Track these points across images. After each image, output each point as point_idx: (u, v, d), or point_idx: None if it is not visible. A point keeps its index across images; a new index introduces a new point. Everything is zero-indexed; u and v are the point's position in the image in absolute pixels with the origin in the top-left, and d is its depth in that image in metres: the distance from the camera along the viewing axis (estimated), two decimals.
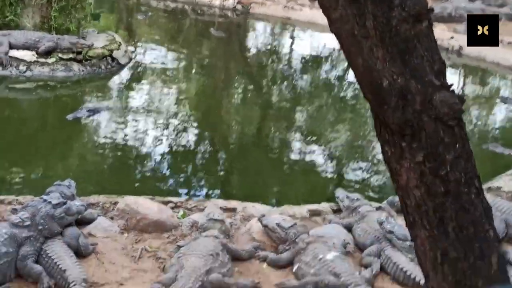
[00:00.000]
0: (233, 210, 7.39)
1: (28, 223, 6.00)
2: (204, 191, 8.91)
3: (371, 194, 9.04)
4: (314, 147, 11.07)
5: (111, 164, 9.60)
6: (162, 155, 10.00)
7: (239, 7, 22.32)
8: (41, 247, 5.96)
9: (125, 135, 10.60)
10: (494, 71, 17.63)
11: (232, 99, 14.33)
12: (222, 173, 9.95)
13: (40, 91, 12.51)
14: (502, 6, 22.94)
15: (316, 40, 19.89)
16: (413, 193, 2.91)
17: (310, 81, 16.23)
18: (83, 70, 13.15)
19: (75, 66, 13.05)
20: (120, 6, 22.11)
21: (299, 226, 6.65)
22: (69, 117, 10.79)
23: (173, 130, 11.18)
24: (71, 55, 13.05)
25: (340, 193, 7.70)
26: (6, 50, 12.55)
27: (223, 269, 5.93)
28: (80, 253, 6.17)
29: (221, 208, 7.29)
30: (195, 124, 11.86)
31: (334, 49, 18.12)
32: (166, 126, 11.29)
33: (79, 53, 13.13)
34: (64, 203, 6.32)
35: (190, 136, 11.08)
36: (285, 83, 15.82)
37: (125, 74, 14.27)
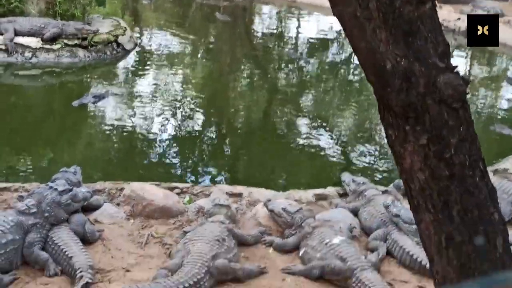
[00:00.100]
0: (239, 195, 7.38)
1: (34, 210, 6.01)
2: (210, 176, 8.89)
3: (378, 176, 9.01)
4: (321, 130, 11.03)
5: (117, 150, 9.60)
6: (168, 140, 9.98)
7: None
8: (48, 234, 5.97)
9: (131, 121, 10.59)
10: (501, 51, 17.49)
11: (238, 83, 14.29)
12: (228, 158, 9.93)
13: (46, 78, 12.52)
14: None
15: (322, 23, 19.79)
16: (417, 177, 2.87)
17: (316, 65, 16.15)
18: (88, 56, 13.14)
19: (81, 52, 13.05)
20: None
21: (305, 210, 6.63)
22: (75, 103, 10.79)
23: (179, 116, 11.16)
24: (76, 41, 13.06)
25: (346, 177, 7.67)
26: (11, 37, 12.56)
27: (229, 255, 5.92)
28: (86, 240, 6.18)
29: (227, 193, 7.28)
30: (201, 109, 11.83)
31: (340, 32, 18.02)
32: (172, 112, 11.27)
33: (84, 39, 13.13)
34: (70, 190, 6.32)
35: (196, 121, 11.06)
36: (291, 66, 15.76)
37: (130, 59, 14.25)
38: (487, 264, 2.85)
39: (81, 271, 5.53)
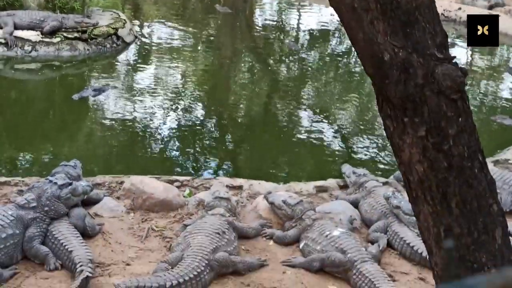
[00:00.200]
0: (239, 187, 7.37)
1: (34, 204, 6.01)
2: (211, 169, 8.88)
3: (379, 167, 8.99)
4: (322, 122, 11.00)
5: (117, 143, 9.58)
6: (168, 133, 9.97)
7: None
8: (47, 228, 5.96)
9: (131, 114, 10.57)
10: (502, 42, 17.43)
11: (238, 75, 14.26)
12: (228, 150, 9.90)
13: (46, 71, 12.50)
14: None
15: (323, 15, 19.73)
16: (416, 168, 2.86)
17: (318, 56, 16.11)
18: (88, 49, 13.12)
19: (80, 45, 13.02)
20: None
21: (305, 202, 6.61)
22: (75, 96, 10.77)
23: (179, 108, 11.14)
24: (76, 34, 13.02)
25: (346, 168, 7.65)
26: (11, 31, 12.53)
27: (230, 247, 5.92)
28: (86, 234, 6.18)
29: (227, 186, 7.27)
30: (201, 102, 11.80)
31: (341, 23, 17.92)
32: (172, 104, 11.25)
33: (84, 32, 13.10)
34: (70, 184, 6.30)
35: (196, 114, 11.04)
36: (292, 58, 15.72)
37: (130, 52, 14.22)
38: (486, 256, 2.84)
39: (81, 265, 5.51)
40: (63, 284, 5.53)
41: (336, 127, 10.92)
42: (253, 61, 15.41)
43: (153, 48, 14.94)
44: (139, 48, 14.62)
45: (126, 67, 13.52)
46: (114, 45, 13.62)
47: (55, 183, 6.23)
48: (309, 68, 14.93)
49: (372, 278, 5.62)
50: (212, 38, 17.08)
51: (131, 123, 10.18)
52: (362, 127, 10.95)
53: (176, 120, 10.59)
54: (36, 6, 13.54)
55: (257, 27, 18.83)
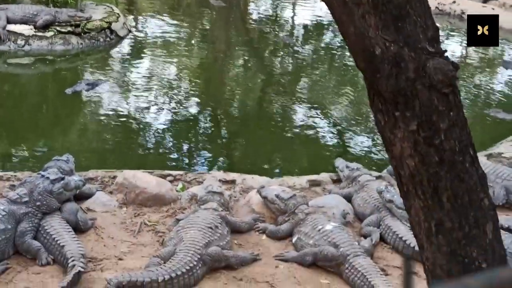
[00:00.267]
0: (232, 182, 7.35)
1: (26, 199, 5.99)
2: (204, 163, 8.86)
3: (373, 161, 8.99)
4: (315, 116, 10.98)
5: (110, 138, 9.56)
6: (162, 128, 9.94)
7: None
8: (40, 223, 5.95)
9: (124, 108, 10.54)
10: None
11: (232, 69, 14.22)
12: (222, 145, 9.89)
13: (39, 65, 12.45)
14: None
15: (318, 8, 19.67)
16: (407, 163, 2.85)
17: (312, 50, 16.08)
18: (81, 43, 13.06)
19: (74, 39, 12.96)
20: None
21: (298, 197, 6.60)
22: (68, 91, 10.74)
23: (173, 103, 11.11)
24: (69, 28, 12.97)
25: (339, 162, 7.63)
26: (3, 25, 12.47)
27: (222, 242, 5.91)
28: (79, 228, 6.16)
29: (220, 180, 7.26)
30: (195, 96, 11.76)
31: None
32: (166, 99, 11.22)
33: (77, 26, 13.05)
34: (62, 179, 6.29)
35: (190, 108, 11.01)
36: (287, 52, 15.68)
37: (124, 46, 14.16)
38: (477, 250, 2.83)
39: (73, 260, 5.50)
40: (55, 279, 5.52)
41: (330, 121, 10.90)
42: (247, 55, 15.36)
43: (147, 42, 14.89)
44: (133, 42, 14.56)
45: (120, 61, 13.46)
46: (108, 39, 13.56)
47: (47, 177, 6.21)
48: (304, 62, 14.90)
49: (364, 272, 5.62)
50: (206, 32, 17.03)
51: (124, 117, 10.15)
52: (356, 121, 10.94)
53: (169, 114, 10.56)
54: (29, 0, 13.47)
55: (252, 21, 18.77)
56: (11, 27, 12.58)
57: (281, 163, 9.15)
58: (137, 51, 14.04)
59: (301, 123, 10.60)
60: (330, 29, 17.33)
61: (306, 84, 13.21)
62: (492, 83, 13.75)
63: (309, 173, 7.88)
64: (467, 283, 1.44)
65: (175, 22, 16.79)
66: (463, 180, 2.82)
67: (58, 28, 12.82)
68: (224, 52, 15.43)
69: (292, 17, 19.52)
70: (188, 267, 5.48)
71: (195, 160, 8.97)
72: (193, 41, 15.85)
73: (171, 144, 9.49)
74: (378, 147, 9.48)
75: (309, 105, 11.55)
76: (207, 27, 17.50)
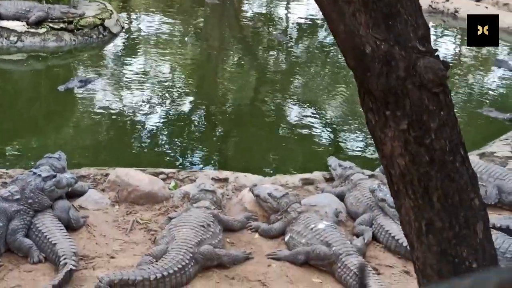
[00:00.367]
0: (225, 180, 7.33)
1: (17, 196, 5.96)
2: (197, 161, 8.85)
3: (366, 159, 8.98)
4: (309, 114, 10.98)
5: (103, 135, 9.53)
6: (154, 125, 9.92)
7: None
8: (31, 221, 5.92)
9: (117, 106, 10.51)
10: None
11: (226, 67, 14.20)
12: (215, 143, 9.87)
13: (31, 62, 12.41)
14: None
15: (312, 6, 19.66)
16: (398, 162, 2.85)
17: (306, 48, 16.08)
18: (74, 40, 13.03)
19: (66, 36, 12.93)
20: None
21: (291, 195, 6.59)
22: (61, 88, 10.70)
23: (166, 100, 11.09)
24: (62, 25, 12.93)
25: (332, 161, 7.62)
26: None
27: (215, 240, 5.89)
28: (71, 226, 6.14)
29: (212, 178, 7.24)
30: (188, 94, 11.75)
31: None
32: (159, 96, 11.20)
33: (70, 22, 13.02)
34: (54, 176, 6.26)
35: (183, 106, 11.00)
36: (281, 49, 15.67)
37: (117, 43, 14.13)
38: (467, 250, 2.83)
39: (65, 258, 5.47)
40: (47, 277, 5.50)
41: (323, 119, 10.90)
42: (240, 52, 15.35)
43: (140, 39, 14.85)
44: (126, 39, 14.52)
45: (113, 58, 13.43)
46: (101, 36, 13.53)
47: (39, 175, 6.18)
48: (297, 60, 14.89)
49: (356, 271, 5.62)
50: (200, 29, 17.00)
51: (116, 115, 10.12)
52: (349, 119, 10.93)
53: (162, 111, 10.54)
54: None
55: (245, 18, 18.75)
56: (4, 23, 12.55)
57: (274, 161, 9.14)
58: (130, 48, 14.01)
59: (295, 121, 10.59)
60: (323, 27, 17.32)
61: (299, 82, 13.21)
62: (484, 82, 13.76)
63: (302, 171, 7.88)
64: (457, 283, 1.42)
65: (169, 19, 16.75)
66: (453, 179, 2.81)
67: (51, 25, 12.79)
68: (217, 49, 15.40)
69: (286, 15, 19.50)
70: (180, 266, 5.46)
71: (187, 158, 8.95)
72: (186, 39, 15.82)
73: (163, 141, 9.47)
74: (371, 146, 9.48)
75: (302, 103, 11.54)
76: (201, 25, 17.47)
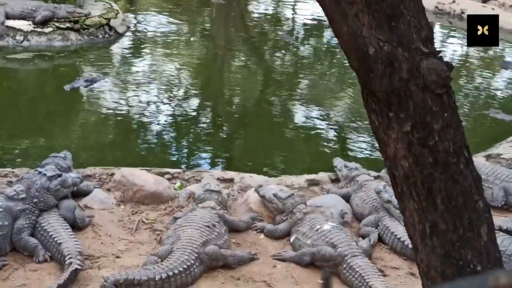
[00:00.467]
0: (231, 180, 7.33)
1: (23, 196, 5.98)
2: (203, 161, 8.85)
3: (372, 160, 8.96)
4: (315, 115, 10.95)
5: (109, 135, 9.55)
6: (160, 125, 9.91)
7: None
8: (37, 220, 5.94)
9: (123, 105, 10.52)
10: None
11: (232, 67, 14.19)
12: (221, 143, 9.85)
13: (38, 61, 12.42)
14: None
15: (318, 6, 19.60)
16: (401, 164, 2.84)
17: (312, 48, 16.05)
18: (80, 40, 13.05)
19: (72, 35, 12.95)
20: None
21: (296, 196, 6.58)
22: (67, 87, 10.71)
23: (172, 100, 11.08)
24: (68, 24, 12.95)
25: (338, 162, 7.60)
26: (2, 20, 12.47)
27: (220, 241, 5.89)
28: (76, 226, 6.16)
29: (218, 178, 7.24)
30: (194, 94, 11.74)
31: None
32: (165, 96, 11.19)
33: (76, 22, 13.03)
34: (60, 175, 6.27)
35: (189, 106, 10.99)
36: (287, 50, 15.64)
37: (123, 43, 14.12)
38: (472, 253, 2.82)
39: (70, 258, 5.49)
40: (52, 276, 5.52)
41: (329, 120, 10.87)
42: (246, 52, 15.34)
43: (146, 38, 14.84)
44: (132, 38, 14.53)
45: (119, 57, 13.43)
46: (107, 35, 13.54)
47: (45, 174, 6.20)
48: (303, 60, 14.87)
49: (362, 273, 5.61)
50: (206, 29, 17.00)
51: (122, 115, 10.13)
52: (355, 120, 10.90)
53: (167, 111, 10.54)
54: None
55: (251, 18, 18.73)
56: (10, 22, 12.58)
57: (280, 162, 9.13)
58: (136, 47, 14.01)
59: (300, 121, 10.57)
60: (329, 28, 17.28)
61: (305, 82, 13.17)
62: (491, 83, 13.71)
63: (308, 172, 7.86)
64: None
65: (174, 19, 16.75)
66: (457, 181, 2.80)
67: (57, 24, 12.81)
68: (223, 49, 15.39)
69: (292, 15, 19.48)
70: (185, 266, 5.47)
71: (193, 158, 8.95)
72: (192, 39, 15.82)
73: (169, 141, 9.47)
74: (376, 147, 9.45)
75: (308, 104, 11.52)
76: (207, 25, 17.47)
